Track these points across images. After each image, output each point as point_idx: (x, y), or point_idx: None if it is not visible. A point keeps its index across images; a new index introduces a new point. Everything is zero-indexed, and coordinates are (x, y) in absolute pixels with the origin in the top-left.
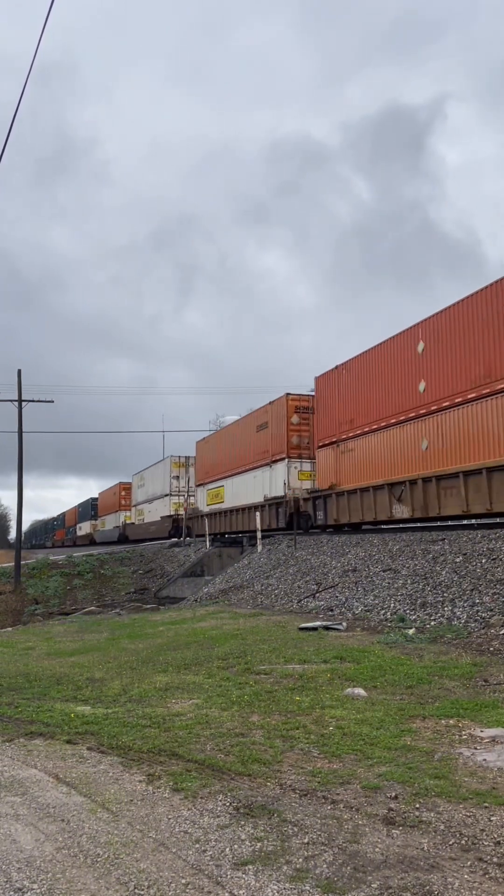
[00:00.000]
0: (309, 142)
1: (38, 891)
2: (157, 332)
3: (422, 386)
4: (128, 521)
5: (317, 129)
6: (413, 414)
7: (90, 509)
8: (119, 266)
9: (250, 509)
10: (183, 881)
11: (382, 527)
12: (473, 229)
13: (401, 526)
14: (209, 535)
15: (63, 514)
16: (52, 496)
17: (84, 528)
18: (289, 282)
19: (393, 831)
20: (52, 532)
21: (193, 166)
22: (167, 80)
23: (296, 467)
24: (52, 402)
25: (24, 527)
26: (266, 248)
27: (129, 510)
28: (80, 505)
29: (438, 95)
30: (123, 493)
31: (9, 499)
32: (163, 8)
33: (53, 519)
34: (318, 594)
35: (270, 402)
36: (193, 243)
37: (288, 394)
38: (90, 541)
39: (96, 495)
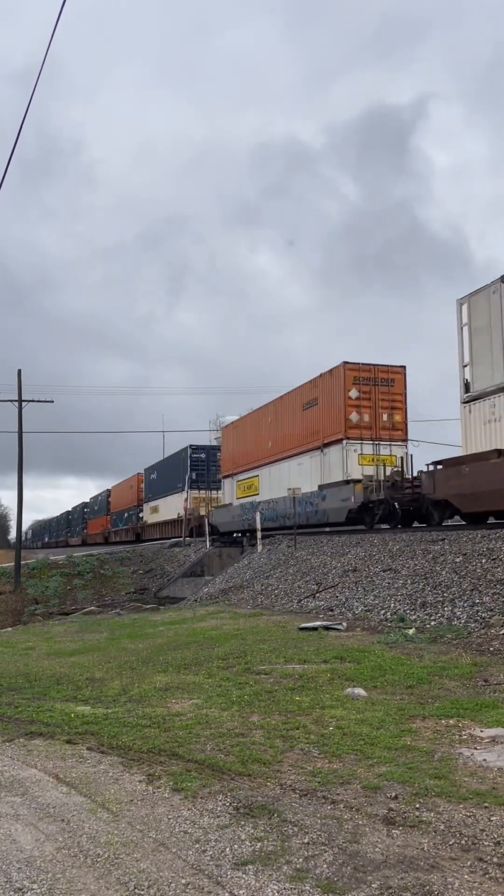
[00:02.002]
0: (295, 143)
1: (38, 891)
2: (151, 333)
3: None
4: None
5: (303, 131)
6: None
7: (180, 470)
8: (111, 267)
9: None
10: (183, 881)
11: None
12: (460, 228)
13: (400, 526)
14: (209, 535)
15: (104, 494)
16: (51, 496)
17: (166, 510)
18: (281, 282)
19: (393, 831)
20: (78, 525)
21: (181, 168)
22: (153, 81)
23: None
24: (52, 402)
25: (25, 525)
26: (257, 250)
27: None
28: (154, 468)
29: (424, 97)
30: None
31: (8, 499)
32: (147, 9)
33: (83, 505)
34: (318, 594)
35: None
36: (184, 244)
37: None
38: (203, 529)
39: (205, 443)
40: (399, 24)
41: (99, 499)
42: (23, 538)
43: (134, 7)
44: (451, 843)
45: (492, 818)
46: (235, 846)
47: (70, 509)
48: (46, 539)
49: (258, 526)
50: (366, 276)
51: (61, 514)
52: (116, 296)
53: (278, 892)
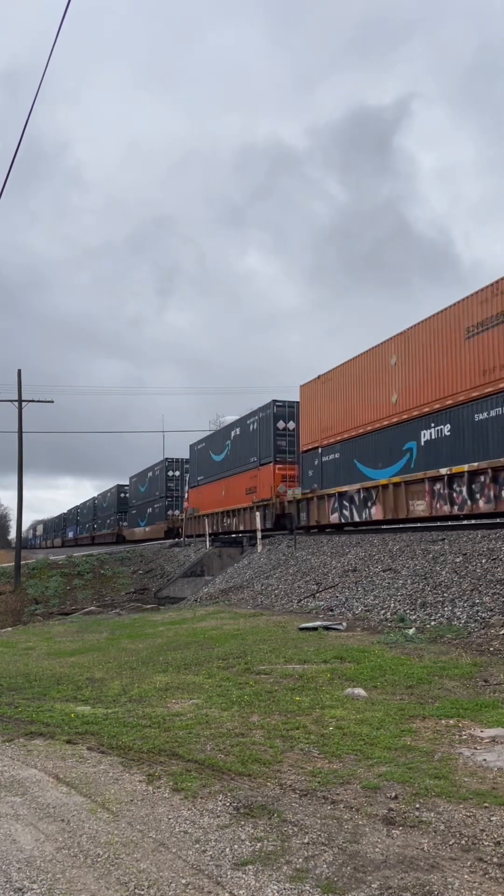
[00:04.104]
0: (280, 145)
1: (38, 891)
2: (144, 333)
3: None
4: None
5: (287, 133)
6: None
7: None
8: (101, 268)
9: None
10: (183, 881)
11: (384, 527)
12: (446, 229)
13: (401, 526)
14: (209, 534)
15: (259, 419)
16: (49, 496)
17: None
18: (272, 283)
19: (393, 831)
20: (155, 502)
21: (167, 170)
22: (137, 83)
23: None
24: (52, 402)
25: (26, 524)
26: (246, 251)
27: None
28: None
29: (407, 97)
30: None
31: (7, 499)
32: (129, 12)
33: (165, 466)
34: (318, 594)
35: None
36: (173, 245)
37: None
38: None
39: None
40: (381, 26)
41: (230, 439)
42: (33, 535)
43: (117, 9)
44: (451, 843)
45: (492, 818)
46: (235, 846)
47: (121, 484)
48: (71, 534)
49: (258, 525)
50: (356, 275)
51: (105, 492)
52: (108, 297)
53: (278, 892)
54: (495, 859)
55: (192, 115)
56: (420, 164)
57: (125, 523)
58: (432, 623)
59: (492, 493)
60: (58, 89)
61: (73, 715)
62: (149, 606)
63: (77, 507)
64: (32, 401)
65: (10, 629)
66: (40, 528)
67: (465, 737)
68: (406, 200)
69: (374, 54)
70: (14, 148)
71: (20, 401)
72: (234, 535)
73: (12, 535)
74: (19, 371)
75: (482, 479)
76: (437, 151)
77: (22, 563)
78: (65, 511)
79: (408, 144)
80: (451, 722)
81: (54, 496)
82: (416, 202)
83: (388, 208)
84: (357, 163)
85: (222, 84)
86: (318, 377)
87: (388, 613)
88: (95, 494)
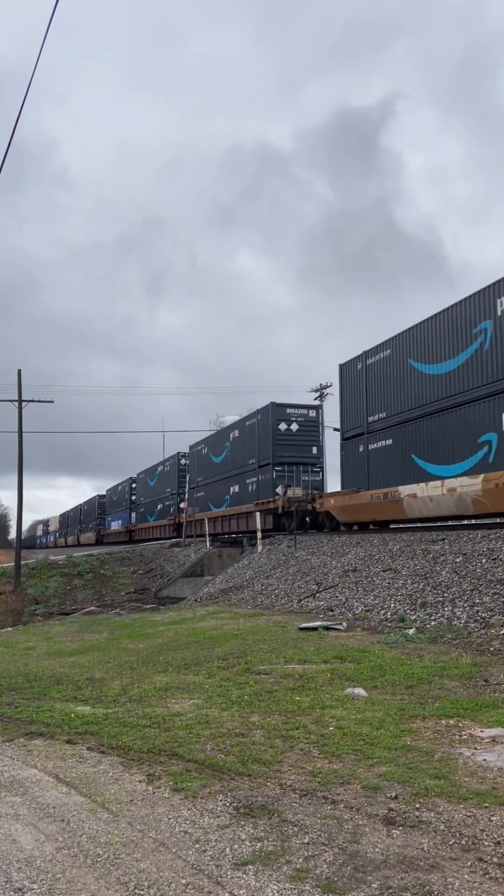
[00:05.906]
0: (267, 147)
1: (38, 891)
2: (138, 334)
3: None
4: None
5: (274, 134)
6: None
7: None
8: (94, 268)
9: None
10: (183, 881)
11: (390, 526)
12: (435, 229)
13: (401, 526)
14: (209, 535)
15: None
16: (47, 496)
17: None
18: (264, 283)
19: (393, 831)
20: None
21: (157, 171)
22: (126, 85)
23: None
24: (52, 402)
25: (26, 524)
26: (237, 251)
27: None
28: None
29: (394, 99)
30: None
31: (7, 499)
32: (119, 13)
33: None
34: (318, 594)
35: None
36: (164, 246)
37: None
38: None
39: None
40: (367, 28)
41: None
42: (44, 531)
43: (105, 11)
44: (451, 843)
45: (492, 818)
46: (235, 846)
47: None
48: (118, 524)
49: (258, 525)
50: (347, 275)
51: (205, 439)
52: (101, 297)
53: (278, 892)
54: (495, 859)
55: (181, 116)
56: (407, 165)
57: (283, 491)
58: (432, 623)
59: None
60: (45, 90)
61: (73, 715)
62: (149, 606)
63: (121, 485)
64: (32, 401)
65: (10, 629)
66: (55, 523)
67: (465, 737)
68: (394, 201)
69: (361, 55)
70: (2, 150)
71: (20, 401)
72: (234, 535)
73: (13, 534)
74: (19, 371)
75: None
76: (424, 152)
77: (22, 563)
78: (102, 492)
79: (395, 145)
80: (451, 722)
81: (53, 496)
82: (404, 203)
83: (376, 209)
84: (344, 164)
85: (210, 86)
86: None
87: (389, 613)
88: (172, 453)
